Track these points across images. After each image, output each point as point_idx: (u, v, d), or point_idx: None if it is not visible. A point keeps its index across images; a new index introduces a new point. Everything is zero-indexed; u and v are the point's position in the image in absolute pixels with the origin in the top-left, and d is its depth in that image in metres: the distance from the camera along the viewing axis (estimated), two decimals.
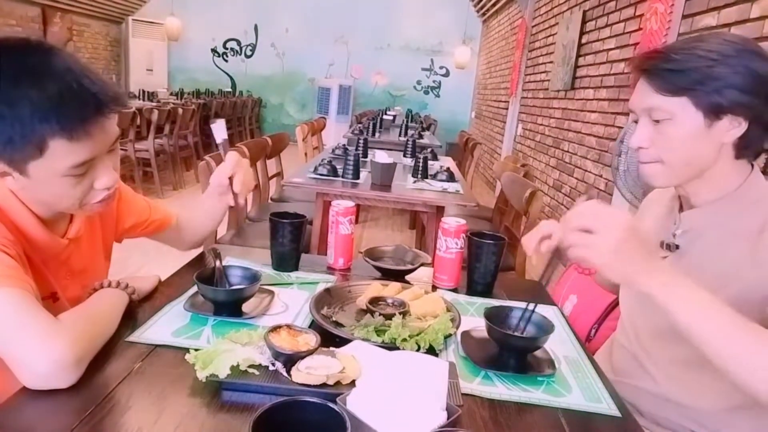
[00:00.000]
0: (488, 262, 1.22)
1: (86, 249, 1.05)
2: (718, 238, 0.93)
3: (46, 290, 0.92)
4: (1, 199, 0.87)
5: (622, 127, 3.04)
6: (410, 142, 3.78)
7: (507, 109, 6.67)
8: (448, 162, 3.73)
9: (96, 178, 0.86)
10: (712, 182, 0.92)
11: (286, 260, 1.25)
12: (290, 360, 0.77)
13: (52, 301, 0.94)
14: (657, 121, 0.90)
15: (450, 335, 0.93)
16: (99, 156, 0.85)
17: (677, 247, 0.99)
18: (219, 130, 1.14)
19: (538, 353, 0.92)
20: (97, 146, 0.83)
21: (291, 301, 1.07)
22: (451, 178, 2.83)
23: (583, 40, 4.15)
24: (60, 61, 0.80)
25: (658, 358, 1.02)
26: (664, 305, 0.77)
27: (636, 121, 0.96)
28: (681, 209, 1.01)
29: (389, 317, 0.94)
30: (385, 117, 6.78)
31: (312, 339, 0.82)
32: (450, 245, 1.23)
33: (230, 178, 1.11)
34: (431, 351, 0.89)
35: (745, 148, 0.90)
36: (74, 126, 0.78)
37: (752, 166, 0.94)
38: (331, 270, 1.31)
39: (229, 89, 10.68)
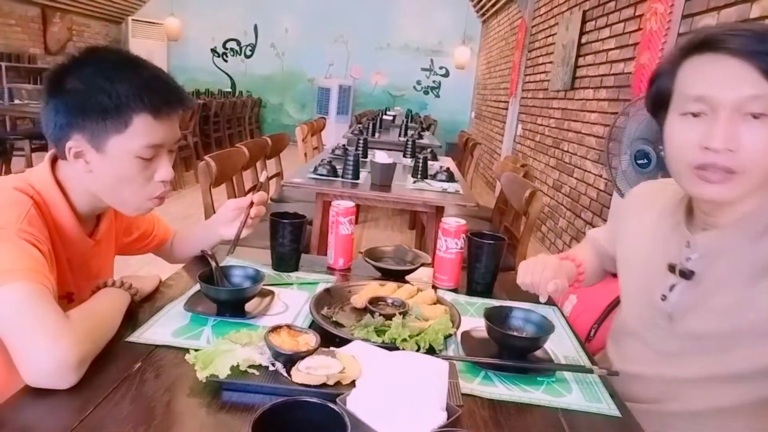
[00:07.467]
0: (488, 262, 1.22)
1: (104, 253, 1.09)
2: (736, 263, 0.82)
3: (63, 290, 0.94)
4: (47, 193, 0.92)
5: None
6: (410, 143, 3.78)
7: (507, 109, 6.68)
8: (447, 162, 3.73)
9: (158, 169, 0.96)
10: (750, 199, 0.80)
11: (286, 260, 1.25)
12: (290, 360, 0.77)
13: (66, 302, 0.96)
14: (755, 117, 0.73)
15: (450, 335, 0.93)
16: (165, 147, 0.96)
17: (692, 273, 0.87)
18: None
19: (538, 353, 0.92)
20: (169, 135, 0.95)
21: (291, 302, 1.07)
22: (450, 178, 2.83)
23: (583, 40, 4.16)
24: (149, 62, 0.96)
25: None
26: None
27: (695, 114, 0.78)
28: (687, 224, 0.89)
29: (389, 317, 0.94)
30: (384, 117, 6.79)
31: (312, 339, 0.82)
32: (450, 245, 1.23)
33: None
34: (431, 351, 0.89)
35: None
36: (160, 106, 0.91)
37: None
38: (331, 270, 1.31)
39: (229, 89, 10.68)
